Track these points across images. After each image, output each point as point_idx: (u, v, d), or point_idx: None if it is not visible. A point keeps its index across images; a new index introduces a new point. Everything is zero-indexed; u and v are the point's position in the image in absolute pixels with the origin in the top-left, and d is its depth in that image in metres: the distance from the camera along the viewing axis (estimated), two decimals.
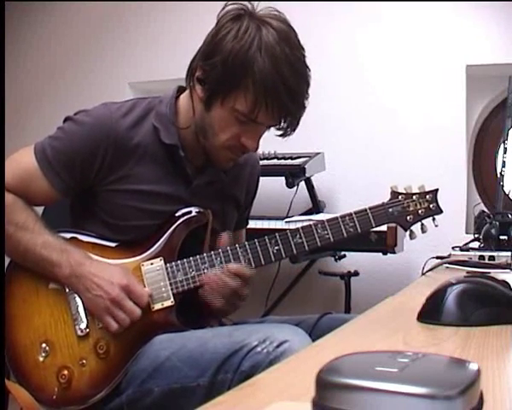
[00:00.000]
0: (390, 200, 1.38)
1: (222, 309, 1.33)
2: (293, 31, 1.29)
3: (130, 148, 1.33)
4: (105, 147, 1.30)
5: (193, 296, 1.36)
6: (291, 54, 1.24)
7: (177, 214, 1.35)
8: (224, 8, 1.29)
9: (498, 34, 2.61)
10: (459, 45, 2.67)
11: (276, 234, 1.34)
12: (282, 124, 1.31)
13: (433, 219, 1.40)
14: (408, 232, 1.40)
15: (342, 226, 1.35)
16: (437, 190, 1.41)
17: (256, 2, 1.30)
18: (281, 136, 1.35)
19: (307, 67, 1.29)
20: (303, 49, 1.29)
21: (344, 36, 2.85)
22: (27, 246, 1.28)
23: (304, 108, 1.30)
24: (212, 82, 1.27)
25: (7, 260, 1.34)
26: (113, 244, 1.35)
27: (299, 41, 1.29)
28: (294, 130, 1.33)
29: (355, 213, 1.36)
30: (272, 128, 1.34)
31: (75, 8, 3.35)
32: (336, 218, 1.36)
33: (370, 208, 1.36)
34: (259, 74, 1.22)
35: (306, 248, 1.35)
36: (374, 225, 1.36)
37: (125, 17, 3.27)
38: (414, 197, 1.38)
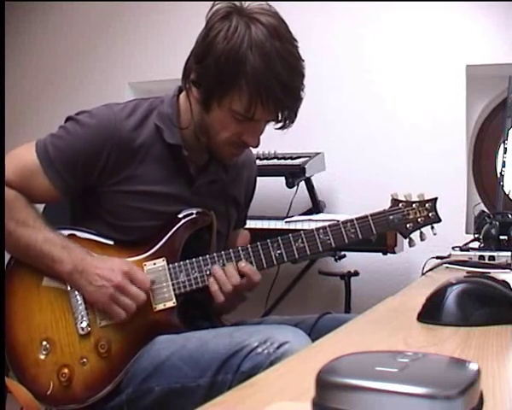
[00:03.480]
0: (390, 207, 1.40)
1: (222, 305, 1.33)
2: (284, 23, 1.28)
3: (134, 149, 1.33)
4: (108, 149, 1.30)
5: (195, 297, 1.36)
6: (282, 48, 1.24)
7: (179, 215, 1.35)
8: (212, 8, 1.28)
9: (498, 34, 2.61)
10: (459, 45, 2.67)
11: (279, 238, 1.35)
12: (279, 118, 1.31)
13: (432, 228, 1.42)
14: (407, 240, 1.41)
15: (344, 232, 1.36)
16: (436, 198, 1.42)
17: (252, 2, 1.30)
18: (280, 129, 1.35)
19: (300, 58, 1.28)
20: (295, 40, 1.28)
21: (344, 36, 2.85)
22: (28, 242, 1.27)
23: (300, 99, 1.30)
24: (207, 84, 1.27)
25: (7, 258, 1.34)
26: (113, 242, 1.35)
27: (290, 33, 1.28)
28: (293, 122, 1.33)
29: (356, 219, 1.37)
30: (272, 123, 1.34)
31: (75, 7, 3.35)
32: (338, 224, 1.36)
33: (371, 215, 1.37)
34: (252, 73, 1.22)
35: (308, 252, 1.36)
36: (374, 232, 1.38)
37: (125, 17, 3.27)
38: (414, 205, 1.40)
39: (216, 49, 1.23)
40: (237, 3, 1.28)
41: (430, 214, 1.41)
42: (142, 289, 1.26)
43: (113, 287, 1.23)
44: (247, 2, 1.29)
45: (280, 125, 1.33)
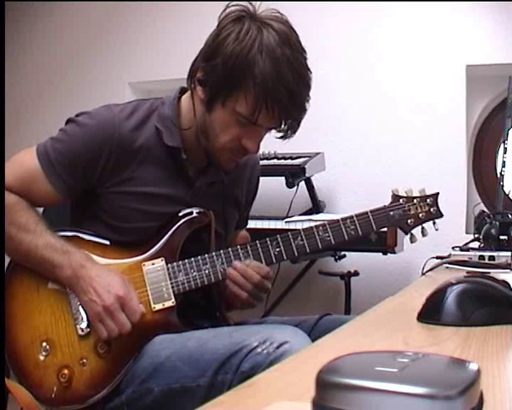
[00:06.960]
0: (391, 203, 1.39)
1: (247, 302, 1.34)
2: (295, 33, 1.28)
3: (133, 150, 1.33)
4: (108, 150, 1.30)
5: (194, 297, 1.36)
6: (292, 56, 1.24)
7: (179, 215, 1.35)
8: (225, 10, 1.29)
9: (498, 34, 2.61)
10: (459, 45, 2.67)
11: (278, 236, 1.35)
12: (282, 126, 1.31)
13: (434, 223, 1.41)
14: (408, 236, 1.41)
15: (343, 229, 1.35)
16: (437, 193, 1.41)
17: (257, 3, 1.30)
18: (281, 138, 1.35)
19: (308, 69, 1.29)
20: (304, 51, 1.29)
21: (344, 36, 2.84)
22: (29, 247, 1.28)
23: (305, 110, 1.30)
24: (213, 84, 1.27)
25: (7, 260, 1.34)
26: (113, 243, 1.35)
27: (300, 43, 1.28)
28: (295, 132, 1.33)
29: (356, 215, 1.36)
30: (273, 130, 1.34)
31: (75, 8, 3.35)
32: (337, 220, 1.36)
33: (371, 211, 1.37)
34: (260, 76, 1.22)
35: (307, 250, 1.35)
36: (375, 228, 1.37)
37: (125, 17, 3.27)
38: (415, 201, 1.39)
39: (226, 49, 1.23)
40: (250, 8, 1.28)
41: (432, 210, 1.40)
42: (131, 319, 1.25)
43: (103, 307, 1.23)
44: (260, 8, 1.29)
45: (281, 134, 1.33)
